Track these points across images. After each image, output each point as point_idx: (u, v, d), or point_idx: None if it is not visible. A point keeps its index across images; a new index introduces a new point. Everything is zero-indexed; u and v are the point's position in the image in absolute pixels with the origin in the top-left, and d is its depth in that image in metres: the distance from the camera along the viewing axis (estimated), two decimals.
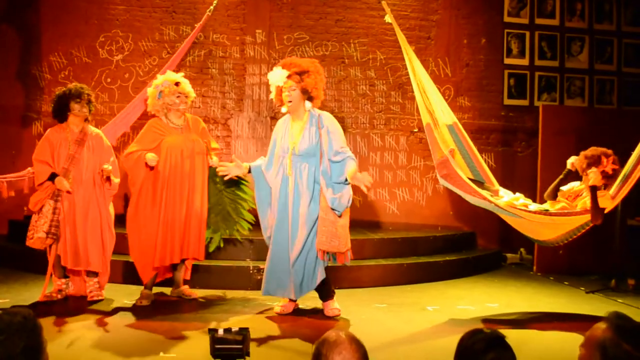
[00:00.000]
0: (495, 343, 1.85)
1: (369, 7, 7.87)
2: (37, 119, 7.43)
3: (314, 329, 4.38)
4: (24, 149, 7.04)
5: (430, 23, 8.08)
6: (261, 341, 4.01)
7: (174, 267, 5.19)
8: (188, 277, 5.32)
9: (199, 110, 7.48)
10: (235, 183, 5.19)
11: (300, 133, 4.71)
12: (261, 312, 4.83)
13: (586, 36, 8.31)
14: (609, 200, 4.62)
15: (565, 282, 6.52)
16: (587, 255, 6.92)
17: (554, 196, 5.05)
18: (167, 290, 5.30)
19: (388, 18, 5.65)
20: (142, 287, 5.06)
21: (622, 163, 4.65)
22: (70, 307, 4.84)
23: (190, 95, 5.15)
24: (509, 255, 7.75)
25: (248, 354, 2.18)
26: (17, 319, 1.78)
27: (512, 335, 1.93)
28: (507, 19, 8.17)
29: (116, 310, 4.77)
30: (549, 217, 4.78)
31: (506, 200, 4.89)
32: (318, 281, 4.69)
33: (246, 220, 5.25)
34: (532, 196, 5.76)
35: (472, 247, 7.58)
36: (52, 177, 4.88)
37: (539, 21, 8.22)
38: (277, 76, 4.74)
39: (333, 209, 4.58)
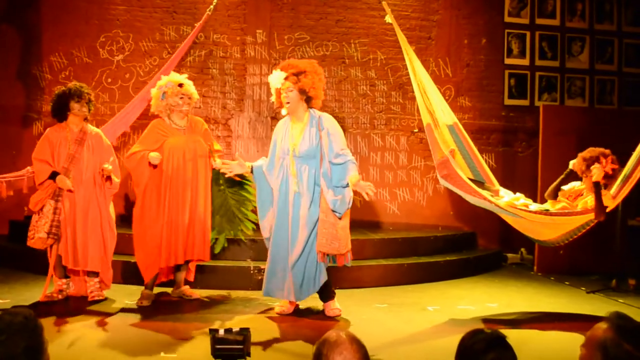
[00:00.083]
0: (495, 343, 1.85)
1: (370, 7, 7.87)
2: (38, 119, 7.42)
3: (314, 329, 4.38)
4: (24, 149, 7.03)
5: (430, 23, 8.08)
6: (262, 341, 4.01)
7: (176, 268, 5.19)
8: (191, 279, 5.31)
9: (200, 111, 7.48)
10: (239, 184, 5.20)
11: (300, 134, 4.71)
12: (262, 312, 4.84)
13: (587, 36, 8.31)
14: (610, 200, 4.61)
15: (566, 282, 6.52)
16: (588, 255, 6.91)
17: (554, 196, 5.06)
18: (169, 291, 5.30)
19: (388, 18, 5.66)
20: (142, 287, 5.06)
21: (623, 163, 4.64)
22: (71, 307, 4.84)
23: (194, 97, 5.16)
24: (509, 255, 7.74)
25: (249, 354, 2.18)
26: (18, 319, 1.77)
27: (512, 335, 1.92)
28: (507, 19, 8.17)
29: (117, 310, 4.77)
30: (550, 217, 4.78)
31: (506, 200, 4.89)
32: (320, 284, 4.69)
33: (250, 221, 5.26)
34: (533, 196, 5.75)
35: (472, 247, 7.58)
36: (53, 176, 4.88)
37: (539, 21, 8.21)
38: (276, 78, 4.75)
39: (334, 211, 4.58)
